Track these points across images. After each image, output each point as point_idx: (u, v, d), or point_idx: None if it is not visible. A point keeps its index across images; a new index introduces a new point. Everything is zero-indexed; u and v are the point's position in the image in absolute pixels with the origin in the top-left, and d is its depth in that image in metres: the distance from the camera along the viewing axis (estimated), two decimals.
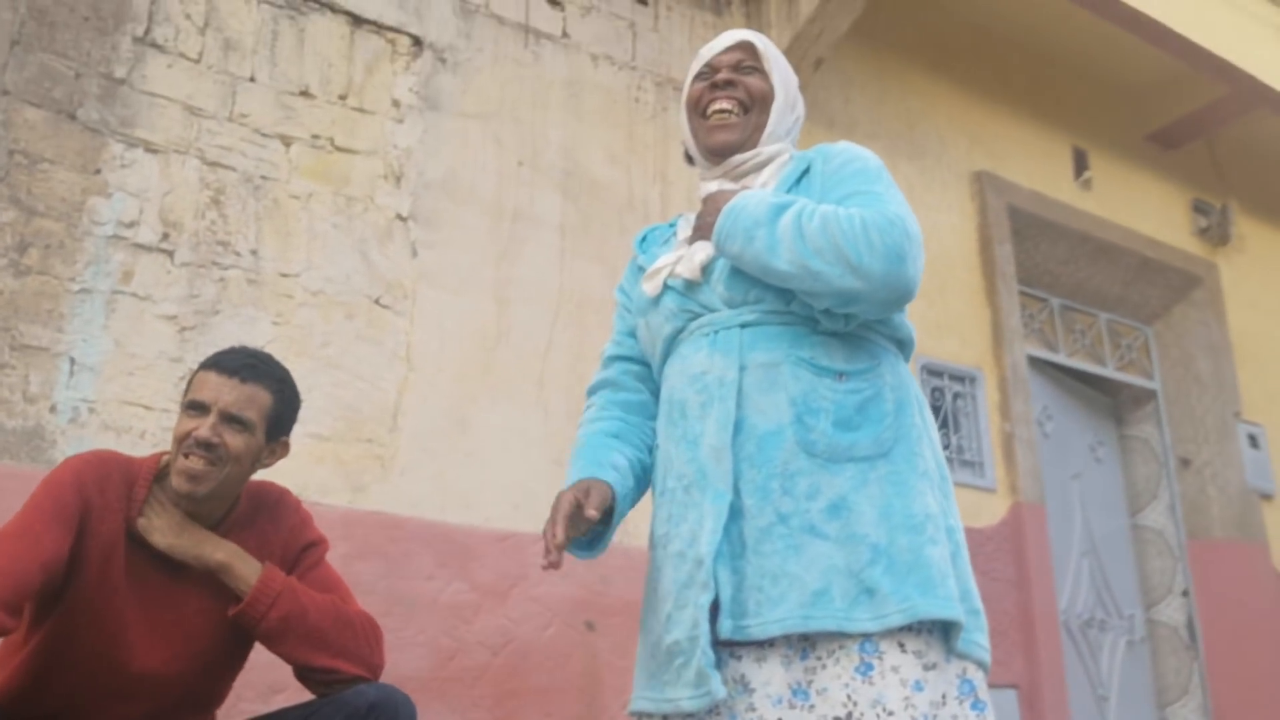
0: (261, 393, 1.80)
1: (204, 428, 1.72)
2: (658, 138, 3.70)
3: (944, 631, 1.38)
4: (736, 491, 1.41)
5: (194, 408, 1.75)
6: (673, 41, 3.83)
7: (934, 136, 4.54)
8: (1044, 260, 4.92)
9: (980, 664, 1.40)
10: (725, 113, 1.61)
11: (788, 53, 3.75)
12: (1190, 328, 5.38)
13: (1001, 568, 4.05)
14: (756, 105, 1.62)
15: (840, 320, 1.48)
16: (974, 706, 1.36)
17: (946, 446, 4.15)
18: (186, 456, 1.72)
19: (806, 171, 1.59)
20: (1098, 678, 4.66)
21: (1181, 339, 5.41)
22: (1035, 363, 4.83)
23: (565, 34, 3.60)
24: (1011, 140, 4.81)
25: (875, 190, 1.48)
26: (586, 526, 1.44)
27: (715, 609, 1.39)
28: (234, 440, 1.74)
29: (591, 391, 1.71)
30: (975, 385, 4.30)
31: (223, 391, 1.75)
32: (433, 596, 2.83)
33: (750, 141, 1.62)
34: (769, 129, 1.62)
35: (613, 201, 3.52)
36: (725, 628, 1.36)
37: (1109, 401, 5.35)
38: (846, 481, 1.39)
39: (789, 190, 1.56)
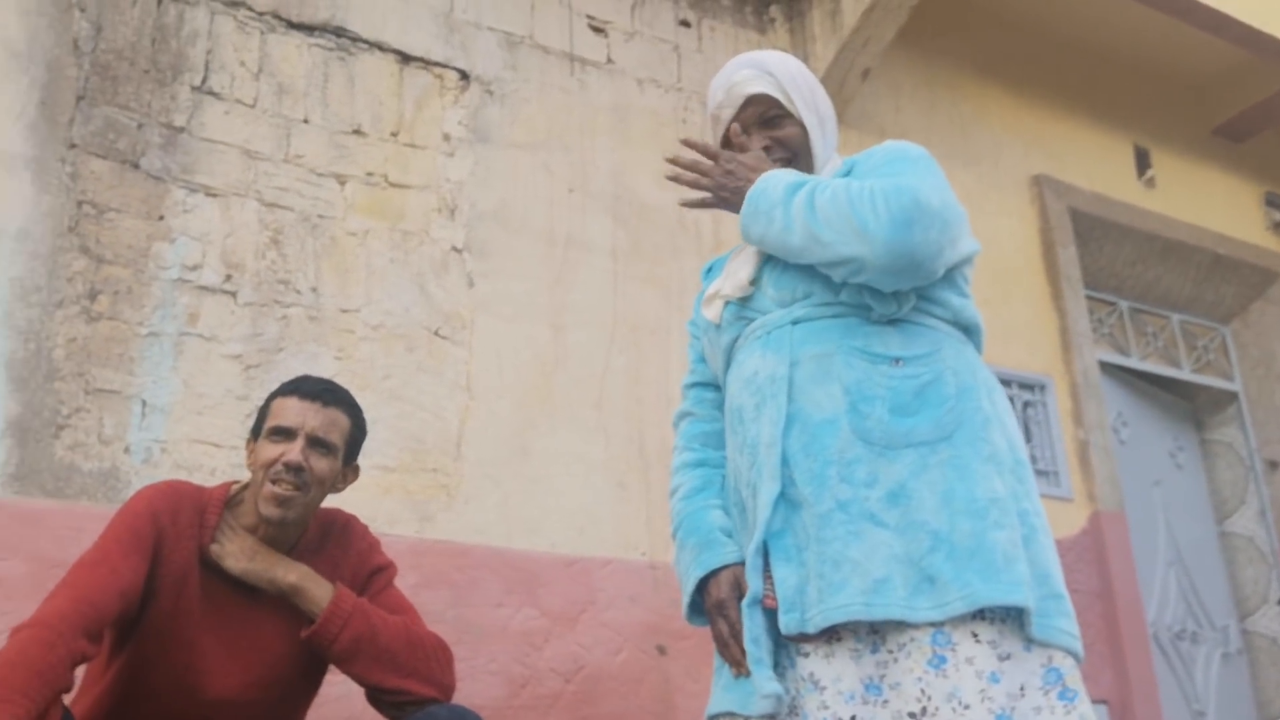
0: (342, 417, 1.83)
1: (294, 452, 1.74)
2: None
3: (1020, 620, 1.32)
4: (794, 482, 1.39)
5: (278, 433, 1.78)
6: (717, 61, 3.83)
7: (989, 141, 4.46)
8: (1110, 262, 4.80)
9: (1069, 651, 1.33)
10: None
11: (834, 65, 3.73)
12: (1270, 325, 5.19)
13: (1084, 579, 3.92)
14: (800, 152, 1.61)
15: (891, 305, 1.46)
16: (1062, 696, 1.29)
17: None
18: (275, 482, 1.74)
19: (849, 173, 1.58)
20: (1192, 692, 4.47)
21: (1261, 337, 5.21)
22: (1107, 368, 4.69)
23: (610, 60, 3.63)
24: (1069, 141, 4.72)
25: (902, 169, 1.46)
26: None
27: (774, 612, 1.37)
28: (319, 464, 1.77)
29: (676, 422, 1.73)
30: (1045, 393, 4.19)
31: (308, 416, 1.78)
32: (502, 624, 2.82)
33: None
34: (817, 159, 1.62)
35: (663, 224, 3.52)
36: (790, 622, 1.33)
37: (1187, 405, 5.17)
38: (905, 468, 1.35)
39: None
